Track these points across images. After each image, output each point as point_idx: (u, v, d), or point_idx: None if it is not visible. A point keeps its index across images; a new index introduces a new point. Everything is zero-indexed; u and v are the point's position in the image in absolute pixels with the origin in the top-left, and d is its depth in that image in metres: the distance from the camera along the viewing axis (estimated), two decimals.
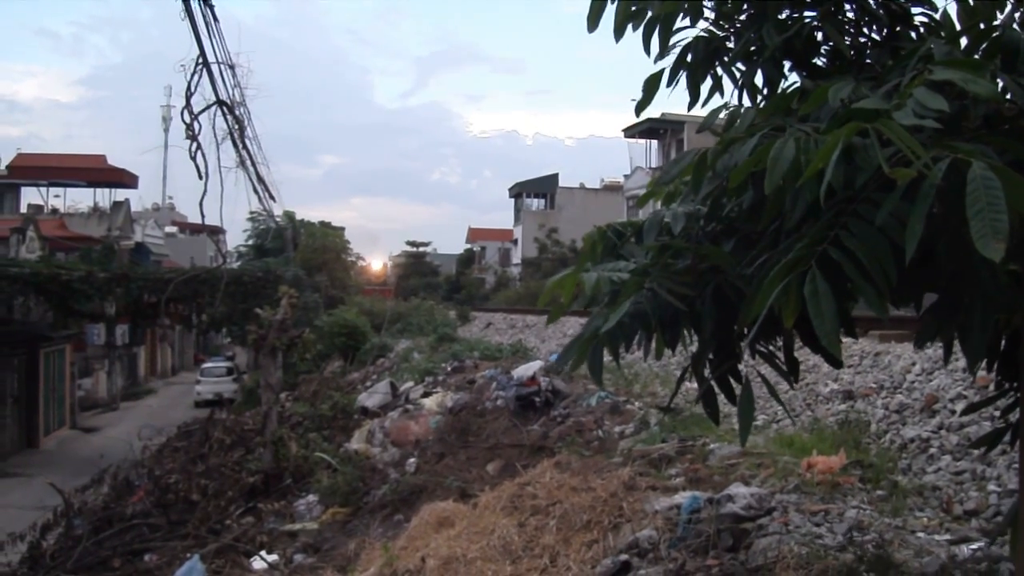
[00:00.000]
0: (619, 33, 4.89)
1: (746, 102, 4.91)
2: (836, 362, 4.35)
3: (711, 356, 4.52)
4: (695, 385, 4.72)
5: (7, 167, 65.13)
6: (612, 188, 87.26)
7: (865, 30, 4.91)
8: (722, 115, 4.70)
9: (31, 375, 38.11)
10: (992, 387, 5.46)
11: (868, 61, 4.68)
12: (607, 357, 4.37)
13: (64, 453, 35.43)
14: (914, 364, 12.55)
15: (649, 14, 4.83)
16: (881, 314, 3.31)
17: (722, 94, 5.02)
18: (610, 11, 4.93)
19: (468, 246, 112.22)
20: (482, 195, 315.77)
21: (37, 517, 18.49)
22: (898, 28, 4.83)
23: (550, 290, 4.52)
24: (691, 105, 5.06)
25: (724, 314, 4.21)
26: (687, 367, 4.68)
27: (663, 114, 56.19)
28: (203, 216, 16.09)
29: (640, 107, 5.06)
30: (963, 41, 4.32)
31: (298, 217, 76.12)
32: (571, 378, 18.79)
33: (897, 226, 3.16)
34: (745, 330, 4.24)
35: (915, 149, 3.02)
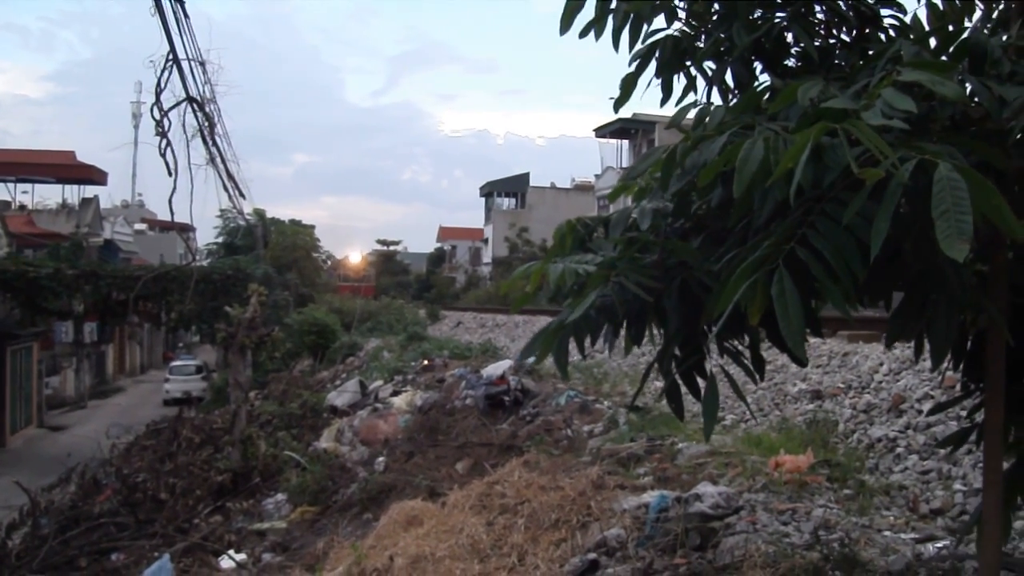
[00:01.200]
0: (585, 32, 4.90)
1: (718, 101, 4.94)
2: (800, 360, 4.37)
3: (676, 352, 4.52)
4: (664, 383, 4.72)
5: None
6: (583, 188, 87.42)
7: (835, 31, 4.93)
8: (691, 113, 4.70)
9: None
10: (959, 387, 5.49)
11: (838, 62, 4.70)
12: (576, 355, 4.37)
13: (31, 452, 35.09)
14: (882, 364, 12.61)
15: (610, 17, 4.86)
16: (845, 314, 3.34)
17: (696, 92, 5.05)
18: (583, 13, 4.94)
19: (439, 245, 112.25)
20: (453, 194, 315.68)
21: (2, 517, 18.36)
22: (867, 30, 4.85)
23: (514, 280, 4.52)
24: (663, 102, 5.09)
25: (690, 310, 4.22)
26: (652, 364, 4.68)
27: (634, 114, 56.24)
28: (172, 213, 15.96)
29: (618, 104, 5.09)
30: (932, 43, 4.33)
31: (269, 215, 75.94)
32: (540, 377, 18.82)
33: (864, 225, 3.18)
34: (710, 326, 4.25)
35: (883, 149, 3.04)
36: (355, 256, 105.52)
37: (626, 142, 69.49)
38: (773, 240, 3.37)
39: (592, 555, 7.80)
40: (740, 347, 4.54)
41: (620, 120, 61.59)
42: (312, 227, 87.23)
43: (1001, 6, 4.61)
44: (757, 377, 4.61)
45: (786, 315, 3.20)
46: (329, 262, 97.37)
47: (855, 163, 3.09)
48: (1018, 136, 3.77)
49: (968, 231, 2.84)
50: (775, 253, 3.31)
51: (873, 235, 3.09)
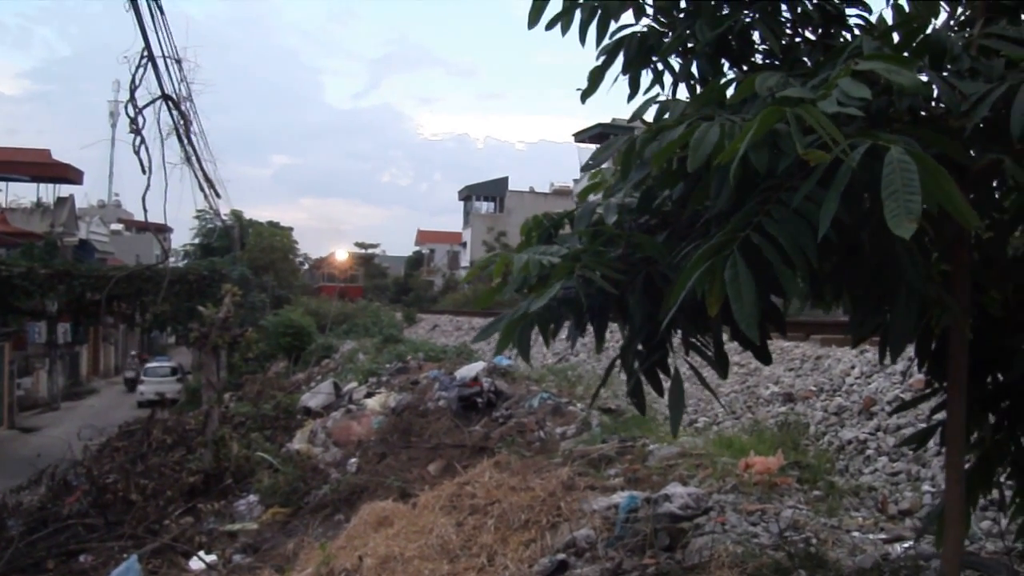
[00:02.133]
0: (551, 25, 4.92)
1: (685, 95, 4.95)
2: (764, 357, 4.37)
3: (639, 348, 4.51)
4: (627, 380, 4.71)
5: None
6: (562, 192, 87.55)
7: (800, 30, 4.95)
8: (654, 107, 4.71)
9: None
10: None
11: (802, 59, 4.71)
12: (543, 349, 4.36)
13: (1, 453, 34.86)
14: (853, 368, 12.68)
15: (578, 12, 4.88)
16: (797, 296, 3.32)
17: (663, 87, 5.06)
18: (551, 9, 4.95)
19: (417, 248, 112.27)
20: (432, 198, 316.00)
21: None
22: (832, 29, 4.88)
23: (476, 269, 4.51)
24: (630, 97, 5.10)
25: (654, 305, 4.20)
26: (615, 360, 4.67)
27: (613, 119, 56.48)
28: (145, 211, 15.93)
29: (585, 95, 5.13)
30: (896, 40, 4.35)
31: (247, 216, 75.81)
32: (514, 379, 18.83)
33: (818, 211, 3.18)
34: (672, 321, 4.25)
35: (833, 134, 3.05)
36: (341, 254, 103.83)
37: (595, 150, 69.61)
38: (729, 227, 3.36)
39: (561, 555, 7.80)
40: (703, 344, 4.53)
41: (600, 125, 61.89)
42: (290, 229, 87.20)
43: (966, 9, 4.63)
44: (721, 372, 4.60)
45: (739, 300, 3.19)
46: (306, 264, 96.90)
47: (804, 146, 3.09)
48: (976, 132, 3.79)
49: (916, 210, 2.85)
50: (731, 240, 3.31)
51: (821, 216, 3.10)
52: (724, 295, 3.27)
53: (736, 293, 3.20)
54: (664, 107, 4.57)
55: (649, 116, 4.61)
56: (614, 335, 4.84)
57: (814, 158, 3.06)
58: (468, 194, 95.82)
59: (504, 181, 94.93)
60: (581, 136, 70.33)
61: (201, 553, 14.36)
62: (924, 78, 3.68)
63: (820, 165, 3.13)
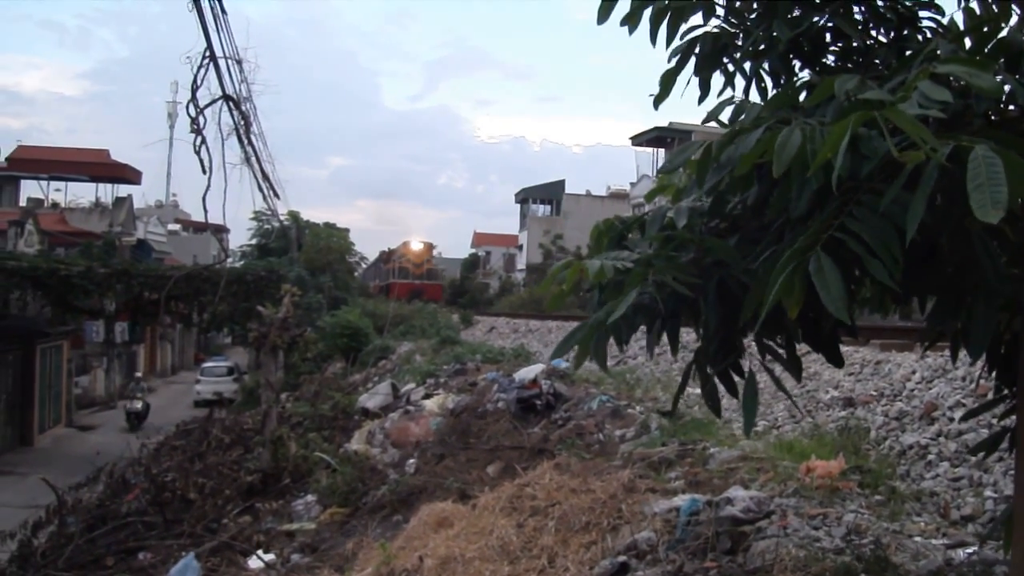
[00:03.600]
0: (624, 23, 4.91)
1: (756, 98, 4.93)
2: (836, 359, 4.36)
3: (714, 352, 4.52)
4: (695, 390, 4.73)
5: (7, 159, 64.86)
6: (618, 196, 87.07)
7: (873, 32, 4.93)
8: (729, 109, 4.70)
9: (27, 371, 37.55)
10: (991, 395, 5.47)
11: (875, 61, 4.70)
12: (611, 361, 4.36)
13: (59, 451, 35.12)
14: (914, 372, 12.58)
15: (647, 12, 4.87)
16: (887, 282, 3.28)
17: (733, 90, 5.04)
18: (620, 9, 4.95)
19: (473, 251, 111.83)
20: (488, 200, 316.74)
21: (29, 515, 18.37)
22: (905, 31, 4.86)
23: (552, 276, 4.52)
24: (700, 99, 5.08)
25: (727, 310, 4.21)
26: (689, 366, 4.68)
27: (671, 123, 56.28)
28: (205, 211, 16.11)
29: (658, 101, 5.06)
30: (968, 44, 4.32)
31: (304, 217, 76.02)
32: (573, 382, 18.81)
33: (901, 213, 3.17)
34: (748, 326, 4.24)
35: (922, 134, 3.03)
36: (415, 244, 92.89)
37: (662, 151, 69.29)
38: (812, 231, 3.36)
39: (622, 558, 7.79)
40: (776, 347, 4.53)
41: (657, 129, 61.60)
42: (346, 230, 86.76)
43: None
44: (796, 375, 4.60)
45: (826, 286, 3.18)
46: (362, 264, 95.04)
47: (895, 148, 3.08)
48: None
49: (1003, 200, 2.84)
50: (814, 242, 3.30)
51: (909, 219, 3.08)
52: (803, 298, 3.27)
53: (823, 282, 3.18)
54: (739, 109, 4.56)
55: (723, 118, 4.60)
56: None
57: (911, 159, 3.05)
58: (524, 197, 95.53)
59: (560, 184, 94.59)
60: (638, 140, 70.10)
61: (259, 552, 14.45)
62: (1000, 80, 3.66)
63: (906, 168, 3.12)
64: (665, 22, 4.89)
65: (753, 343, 4.53)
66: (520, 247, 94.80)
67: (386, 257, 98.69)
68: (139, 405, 43.03)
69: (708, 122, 4.69)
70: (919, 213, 3.05)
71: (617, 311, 3.99)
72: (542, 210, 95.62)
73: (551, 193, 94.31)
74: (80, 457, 28.02)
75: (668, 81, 4.99)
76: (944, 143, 3.09)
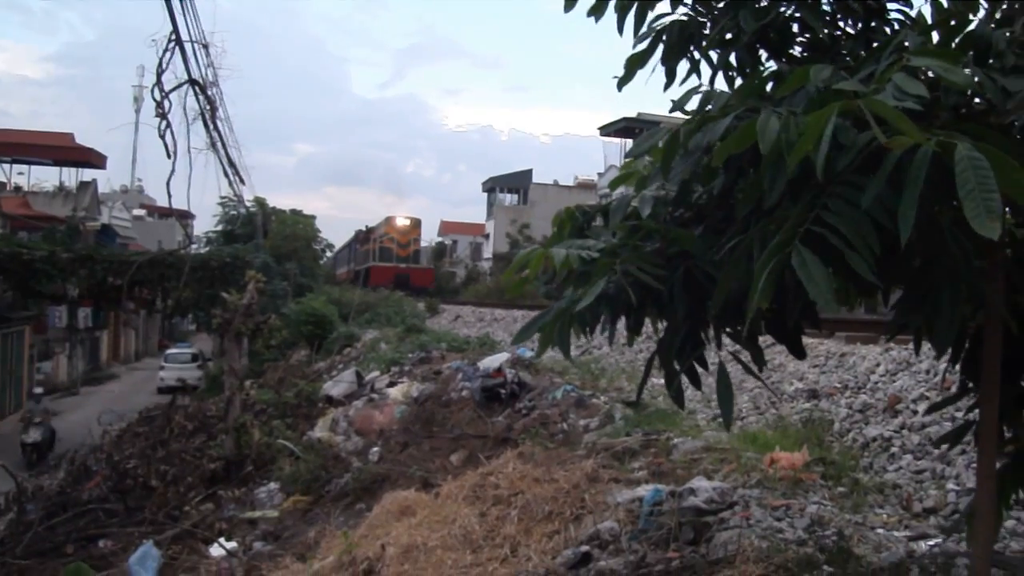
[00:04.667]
0: (592, 11, 4.90)
1: (722, 87, 4.92)
2: (798, 351, 4.36)
3: (680, 345, 4.50)
4: (658, 380, 4.72)
5: None
6: (586, 186, 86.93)
7: (841, 23, 4.94)
8: (696, 98, 4.68)
9: None
10: (955, 389, 5.49)
11: (843, 52, 4.70)
12: (575, 351, 4.35)
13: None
14: (878, 365, 12.62)
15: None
16: (870, 279, 3.26)
17: (699, 77, 5.04)
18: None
19: (440, 239, 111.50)
20: (455, 189, 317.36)
21: None
22: (873, 23, 4.86)
23: (517, 264, 4.49)
24: (666, 87, 5.07)
25: (694, 301, 4.20)
26: (654, 355, 4.66)
27: (640, 114, 56.33)
28: (169, 196, 15.87)
29: (621, 83, 5.05)
30: (936, 37, 4.33)
31: (270, 204, 75.55)
32: (537, 371, 18.81)
33: (878, 207, 3.16)
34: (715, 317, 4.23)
35: (906, 125, 3.01)
36: (401, 220, 77.62)
37: (631, 141, 69.24)
38: (788, 225, 3.34)
39: (585, 547, 7.80)
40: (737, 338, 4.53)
41: (625, 119, 61.65)
42: (313, 217, 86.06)
43: (1005, 4, 4.60)
44: (760, 368, 4.60)
45: (811, 279, 3.16)
46: (327, 251, 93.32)
47: (881, 134, 3.06)
48: (1019, 129, 3.77)
49: (996, 209, 2.82)
50: (791, 237, 3.28)
51: (901, 220, 3.04)
52: (774, 290, 3.26)
53: (809, 276, 3.15)
54: (707, 97, 4.54)
55: (690, 107, 4.58)
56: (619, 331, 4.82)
57: (898, 145, 3.02)
58: (492, 186, 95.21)
59: (528, 173, 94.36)
60: (606, 130, 70.02)
61: (221, 540, 14.40)
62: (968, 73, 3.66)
63: (888, 160, 3.10)
64: (632, 11, 4.88)
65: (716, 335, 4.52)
66: (487, 236, 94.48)
67: (364, 237, 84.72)
68: (38, 435, 30.18)
69: (675, 111, 4.66)
70: (911, 217, 3.01)
71: (584, 300, 3.98)
72: (509, 199, 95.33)
73: (519, 182, 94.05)
74: None
75: (633, 65, 4.98)
76: (927, 137, 3.07)
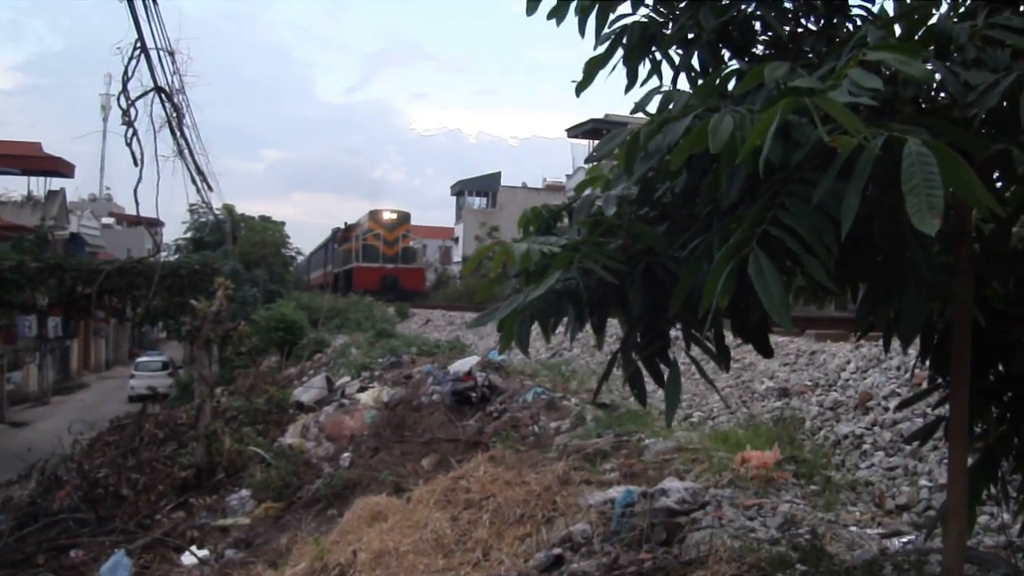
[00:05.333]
0: (553, 14, 4.88)
1: (685, 87, 4.91)
2: (765, 350, 4.34)
3: (639, 339, 4.48)
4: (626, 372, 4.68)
5: None
6: (554, 188, 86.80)
7: (803, 19, 4.93)
8: (657, 98, 4.66)
9: None
10: (926, 385, 5.49)
11: (805, 49, 4.69)
12: (542, 347, 4.31)
13: None
14: (849, 362, 12.66)
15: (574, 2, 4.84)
16: (826, 283, 3.27)
17: (660, 78, 5.02)
18: (548, 1, 4.90)
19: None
20: (424, 193, 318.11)
21: None
22: (835, 19, 4.85)
23: (476, 257, 4.47)
24: (628, 88, 5.05)
25: (654, 296, 4.18)
26: (615, 355, 4.64)
27: (607, 115, 56.29)
28: (137, 204, 15.90)
29: (580, 87, 5.04)
30: (898, 32, 4.33)
31: (239, 211, 75.17)
32: (508, 374, 18.79)
33: (835, 204, 3.17)
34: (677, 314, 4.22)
35: (853, 123, 3.01)
36: (387, 214, 72.42)
37: (598, 142, 69.09)
38: (746, 224, 3.33)
39: (557, 550, 7.77)
40: (704, 337, 4.51)
41: (592, 121, 61.57)
42: (282, 223, 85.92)
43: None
44: (724, 366, 4.58)
45: (767, 290, 3.17)
46: (297, 256, 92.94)
47: (825, 134, 3.05)
48: (981, 122, 3.77)
49: (939, 205, 2.82)
50: (748, 237, 3.27)
51: (843, 211, 3.07)
52: (733, 291, 3.24)
53: (764, 287, 3.17)
54: (668, 98, 4.52)
55: (651, 107, 4.55)
56: (612, 331, 4.80)
57: (842, 144, 3.02)
58: (460, 189, 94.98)
59: (496, 176, 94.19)
60: (574, 132, 70.06)
61: (193, 548, 14.33)
62: (930, 68, 3.65)
63: (839, 157, 3.10)
64: (594, 13, 4.86)
65: (680, 334, 4.51)
66: (456, 239, 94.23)
67: (343, 235, 77.25)
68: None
69: (637, 112, 4.64)
70: (853, 207, 3.04)
71: (536, 291, 3.95)
72: (478, 202, 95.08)
73: (487, 185, 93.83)
74: (12, 454, 27.49)
75: (593, 67, 4.96)
76: (876, 132, 3.06)
